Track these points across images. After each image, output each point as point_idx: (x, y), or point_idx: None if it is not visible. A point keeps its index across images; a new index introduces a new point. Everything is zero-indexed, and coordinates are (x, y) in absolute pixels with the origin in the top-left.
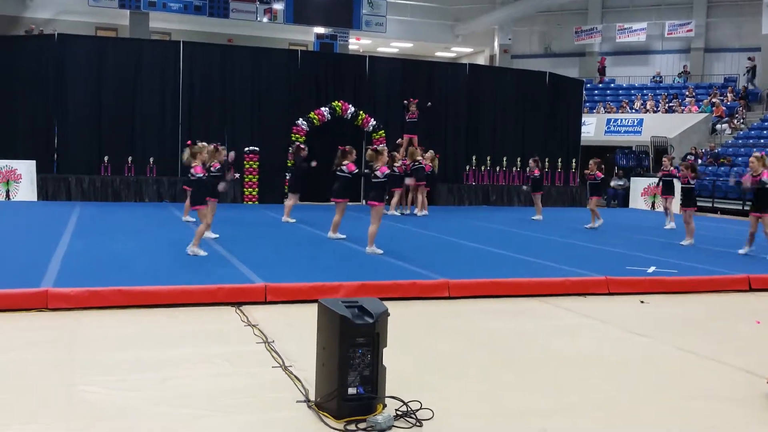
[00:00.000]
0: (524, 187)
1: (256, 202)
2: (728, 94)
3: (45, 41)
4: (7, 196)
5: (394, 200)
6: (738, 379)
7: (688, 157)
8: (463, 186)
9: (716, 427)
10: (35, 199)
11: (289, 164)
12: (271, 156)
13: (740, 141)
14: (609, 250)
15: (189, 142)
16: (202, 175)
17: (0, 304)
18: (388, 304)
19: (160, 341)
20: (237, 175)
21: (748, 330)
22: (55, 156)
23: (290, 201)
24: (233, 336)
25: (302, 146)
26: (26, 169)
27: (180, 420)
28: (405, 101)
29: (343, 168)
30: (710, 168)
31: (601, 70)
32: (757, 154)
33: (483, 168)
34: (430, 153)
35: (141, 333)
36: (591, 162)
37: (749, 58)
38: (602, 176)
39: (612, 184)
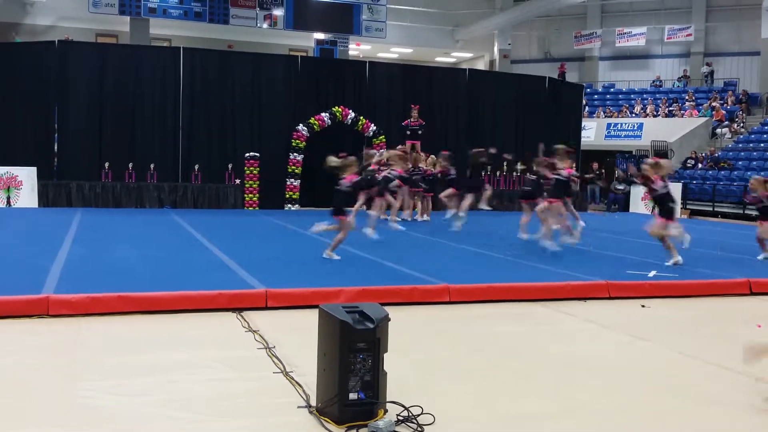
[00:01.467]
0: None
1: (257, 208)
2: (728, 99)
3: (46, 48)
4: (8, 202)
5: (396, 205)
6: (740, 383)
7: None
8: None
9: (718, 431)
10: (36, 205)
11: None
12: (271, 162)
13: (740, 145)
14: (610, 254)
15: (342, 154)
16: (357, 179)
17: (1, 311)
18: (388, 309)
19: (161, 347)
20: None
21: (750, 334)
22: (56, 162)
23: (466, 201)
24: (234, 341)
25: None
26: (27, 175)
27: (181, 425)
28: (404, 123)
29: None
30: (710, 172)
31: (561, 75)
32: (650, 160)
33: (483, 173)
34: (431, 158)
35: (142, 339)
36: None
37: (707, 64)
38: (452, 173)
39: (612, 188)
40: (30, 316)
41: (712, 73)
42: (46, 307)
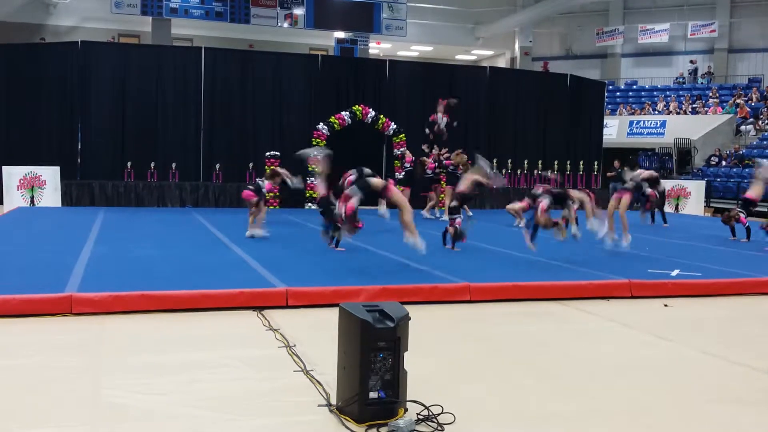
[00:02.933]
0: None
1: (277, 207)
2: (752, 95)
3: (68, 48)
4: (32, 202)
5: (430, 203)
6: (765, 383)
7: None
8: (484, 189)
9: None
10: (59, 204)
11: None
12: (292, 161)
13: (765, 142)
14: (631, 253)
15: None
16: None
17: (25, 309)
18: (409, 307)
19: (183, 345)
20: None
21: None
22: (79, 162)
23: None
24: (255, 340)
25: None
26: (50, 175)
27: (203, 423)
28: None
29: None
30: (735, 170)
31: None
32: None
33: (504, 171)
34: (461, 157)
35: (164, 337)
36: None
37: (691, 61)
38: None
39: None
40: (53, 315)
41: (696, 70)
42: (69, 306)
